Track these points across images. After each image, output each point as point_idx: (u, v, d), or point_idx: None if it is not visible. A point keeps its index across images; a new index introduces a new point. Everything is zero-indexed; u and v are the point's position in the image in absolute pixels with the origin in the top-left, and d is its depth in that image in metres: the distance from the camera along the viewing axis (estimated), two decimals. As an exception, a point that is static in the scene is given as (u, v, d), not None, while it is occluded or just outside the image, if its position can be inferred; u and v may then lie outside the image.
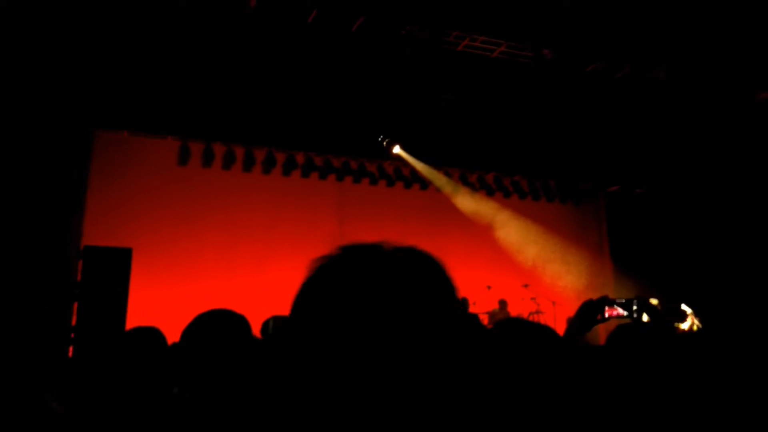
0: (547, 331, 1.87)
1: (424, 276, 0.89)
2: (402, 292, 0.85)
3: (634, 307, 2.86)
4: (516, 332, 1.80)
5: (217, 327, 2.39)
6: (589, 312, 2.68)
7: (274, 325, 4.60)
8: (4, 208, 8.22)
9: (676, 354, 2.27)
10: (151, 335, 3.17)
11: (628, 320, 2.87)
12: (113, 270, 7.65)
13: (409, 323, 0.83)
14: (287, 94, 9.83)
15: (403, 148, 10.81)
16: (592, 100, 10.87)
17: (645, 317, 2.93)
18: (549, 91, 10.67)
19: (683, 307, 8.57)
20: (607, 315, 2.84)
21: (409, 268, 0.89)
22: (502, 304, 10.65)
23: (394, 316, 0.83)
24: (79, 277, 7.84)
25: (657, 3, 9.13)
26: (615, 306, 2.89)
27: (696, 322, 8.23)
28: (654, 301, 8.54)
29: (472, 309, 10.29)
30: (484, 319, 10.21)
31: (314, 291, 0.89)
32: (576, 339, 2.59)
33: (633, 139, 11.37)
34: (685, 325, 8.28)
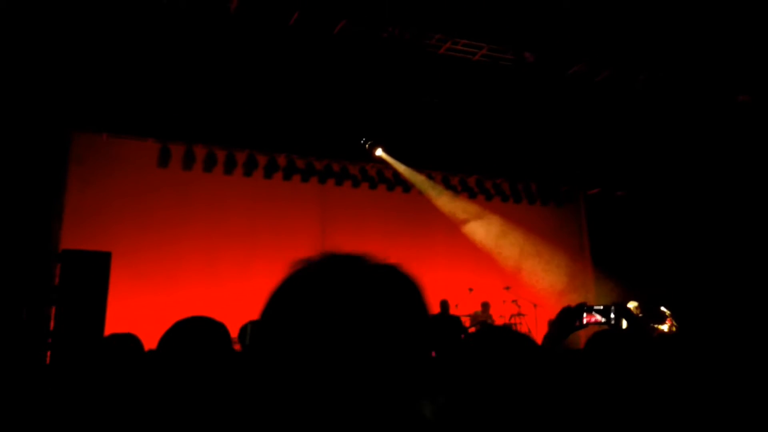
0: (523, 340, 1.87)
1: (402, 296, 0.89)
2: (377, 310, 0.85)
3: (612, 314, 2.87)
4: (492, 342, 1.80)
5: (196, 334, 2.37)
6: (568, 319, 2.70)
7: (251, 330, 4.55)
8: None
9: (652, 359, 2.28)
10: (127, 341, 3.14)
11: (605, 326, 2.89)
12: (92, 274, 7.54)
13: (380, 339, 0.82)
14: (268, 96, 9.79)
15: (385, 150, 10.81)
16: (573, 103, 10.96)
17: (623, 323, 2.96)
18: (530, 93, 10.74)
19: (662, 309, 8.68)
20: (585, 321, 2.86)
21: (387, 286, 0.89)
22: (485, 306, 10.69)
23: (365, 330, 0.82)
24: (57, 281, 7.73)
25: (637, 7, 9.22)
26: (593, 312, 2.91)
27: (674, 323, 8.33)
28: (633, 304, 8.63)
29: (453, 311, 10.32)
30: (466, 322, 10.24)
31: (290, 297, 0.88)
32: (554, 346, 2.60)
33: (614, 142, 11.48)
34: (663, 327, 8.38)
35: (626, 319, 2.90)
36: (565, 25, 9.65)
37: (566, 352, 2.48)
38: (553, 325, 2.66)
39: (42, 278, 8.21)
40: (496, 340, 1.81)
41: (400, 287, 0.91)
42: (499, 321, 10.67)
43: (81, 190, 9.58)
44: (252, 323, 4.48)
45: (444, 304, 10.05)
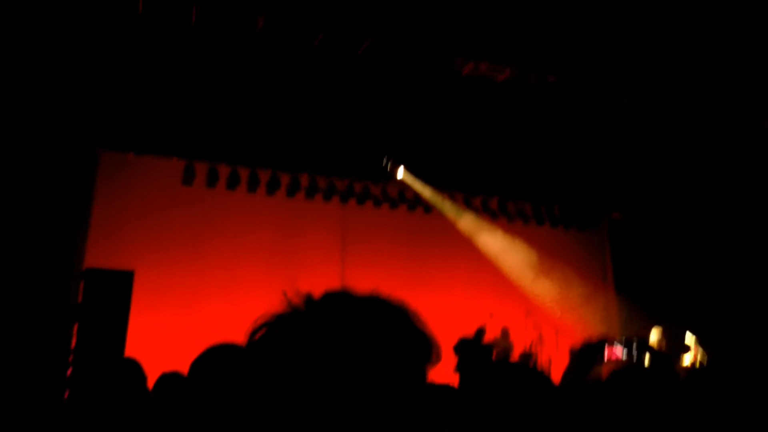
0: (539, 380, 1.84)
1: (388, 329, 0.87)
2: (364, 344, 0.83)
3: (634, 348, 2.83)
4: (507, 382, 1.78)
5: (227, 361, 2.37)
6: (589, 354, 2.65)
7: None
8: (8, 226, 8.24)
9: (678, 399, 2.22)
10: (128, 368, 3.12)
11: (626, 363, 2.84)
12: (114, 293, 7.64)
13: (367, 370, 0.81)
14: (292, 115, 9.87)
15: (407, 170, 10.81)
16: (597, 126, 10.86)
17: (646, 358, 2.90)
18: (554, 115, 10.68)
19: (687, 337, 8.51)
20: (607, 357, 2.82)
21: (375, 320, 0.88)
22: (504, 333, 10.57)
23: (352, 363, 0.81)
24: (80, 299, 7.83)
25: (665, 30, 9.13)
26: (615, 346, 2.87)
27: (700, 353, 8.16)
28: (657, 330, 8.46)
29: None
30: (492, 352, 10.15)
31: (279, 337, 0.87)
32: (574, 382, 2.55)
33: (638, 165, 11.34)
34: (687, 356, 8.22)
35: (649, 354, 2.85)
36: (590, 46, 9.60)
37: (587, 388, 2.42)
38: (574, 359, 2.62)
39: (66, 295, 8.34)
40: (511, 379, 1.79)
41: (388, 320, 0.90)
42: (519, 347, 10.54)
43: (106, 206, 9.72)
44: None
45: (480, 333, 9.96)
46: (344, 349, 0.83)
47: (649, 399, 2.16)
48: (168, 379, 3.09)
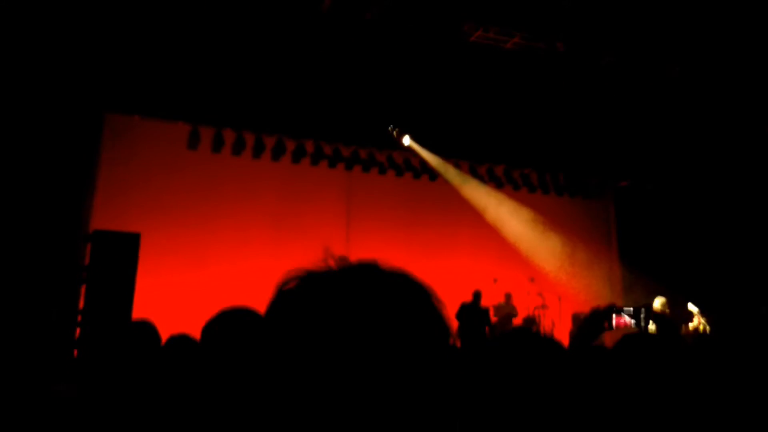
0: (550, 345, 1.85)
1: (413, 306, 0.87)
2: (389, 319, 0.83)
3: (642, 316, 2.84)
4: (517, 348, 1.79)
5: (241, 326, 2.37)
6: (596, 320, 2.67)
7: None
8: (13, 189, 8.27)
9: (685, 365, 2.25)
10: (143, 330, 3.13)
11: (635, 329, 2.86)
12: (121, 255, 7.67)
13: (392, 348, 0.81)
14: (298, 82, 9.81)
15: (413, 138, 10.78)
16: (604, 95, 10.79)
17: (652, 326, 2.92)
18: (561, 83, 10.59)
19: (690, 306, 8.56)
20: (614, 323, 2.84)
21: (399, 296, 0.87)
22: (507, 297, 10.64)
23: (377, 338, 0.81)
24: (87, 261, 7.88)
25: (673, 2, 9.02)
26: (622, 314, 2.88)
27: (703, 321, 8.21)
28: (661, 300, 8.52)
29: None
30: (490, 312, 10.24)
31: (300, 303, 0.87)
32: (581, 346, 2.58)
33: (645, 134, 11.28)
34: (690, 325, 8.27)
35: (656, 322, 2.87)
36: (599, 14, 9.48)
37: (594, 352, 2.45)
38: (582, 325, 2.64)
39: (73, 257, 8.39)
40: (522, 345, 1.80)
41: (413, 297, 0.90)
42: (522, 313, 10.63)
43: (111, 169, 9.74)
44: None
45: (477, 295, 10.03)
46: (368, 319, 0.82)
47: (656, 364, 2.18)
48: (177, 341, 3.09)
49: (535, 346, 1.77)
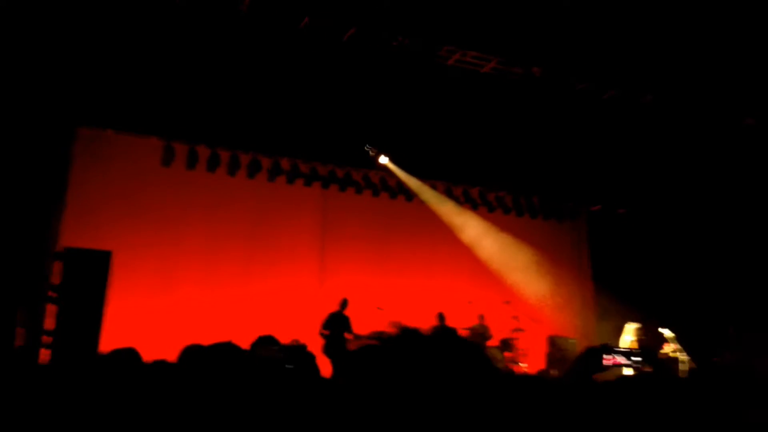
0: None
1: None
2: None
3: (632, 357, 2.85)
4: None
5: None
6: (591, 358, 2.66)
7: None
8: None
9: (679, 402, 2.24)
10: (127, 356, 3.06)
11: (629, 369, 2.86)
12: (92, 273, 7.49)
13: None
14: (275, 99, 9.75)
15: (389, 158, 10.78)
16: (579, 120, 10.95)
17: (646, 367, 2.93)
18: (537, 108, 10.73)
19: (662, 330, 8.65)
20: (610, 363, 2.83)
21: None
22: (480, 318, 10.63)
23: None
24: (57, 280, 7.66)
25: (646, 28, 9.23)
26: (615, 355, 2.89)
27: (677, 347, 8.30)
28: (634, 326, 8.60)
29: (452, 324, 10.31)
30: (464, 334, 10.21)
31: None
32: (577, 382, 2.56)
33: (618, 159, 11.47)
34: (664, 350, 8.36)
35: (650, 363, 2.88)
36: (575, 42, 9.65)
37: (595, 387, 2.42)
38: (577, 362, 2.63)
39: (39, 275, 8.15)
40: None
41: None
42: (498, 335, 10.63)
43: (83, 185, 9.51)
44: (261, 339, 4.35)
45: (440, 317, 10.04)
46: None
47: (656, 400, 2.19)
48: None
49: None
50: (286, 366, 2.15)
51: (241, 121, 9.77)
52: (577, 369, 2.52)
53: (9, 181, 8.19)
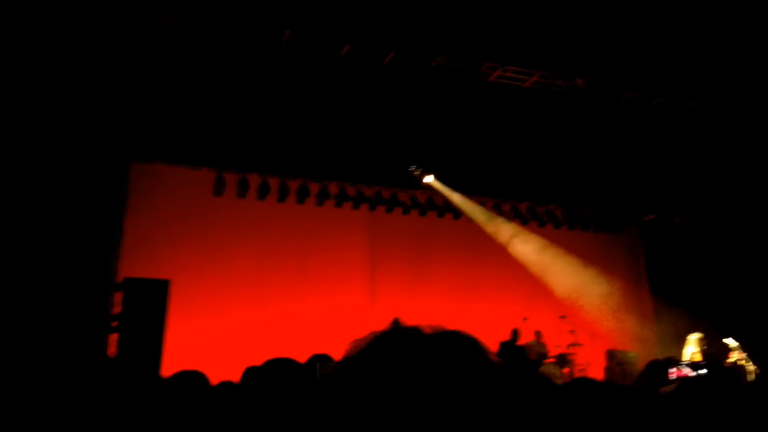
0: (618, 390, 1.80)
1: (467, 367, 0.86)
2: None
3: (700, 369, 2.77)
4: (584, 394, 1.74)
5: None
6: (655, 372, 2.59)
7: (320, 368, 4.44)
8: (42, 240, 8.35)
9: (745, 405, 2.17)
10: (194, 379, 3.11)
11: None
12: (152, 301, 7.70)
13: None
14: (321, 125, 9.93)
15: (435, 177, 10.80)
16: (627, 129, 10.78)
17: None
18: (583, 119, 10.62)
19: (727, 340, 8.33)
20: (675, 375, 2.76)
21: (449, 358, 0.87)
22: (537, 334, 10.44)
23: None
24: (117, 309, 7.89)
25: (693, 34, 9.07)
26: (681, 367, 2.81)
27: (742, 356, 7.98)
28: (697, 335, 8.31)
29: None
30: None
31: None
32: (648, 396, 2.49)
33: (669, 167, 11.22)
34: (732, 359, 8.04)
35: (717, 372, 2.79)
36: (617, 50, 9.55)
37: (661, 398, 2.36)
38: (641, 378, 2.56)
39: (101, 306, 8.40)
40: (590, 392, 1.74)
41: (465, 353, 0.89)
42: (554, 351, 10.41)
43: (138, 217, 9.80)
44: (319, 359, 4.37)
45: (515, 333, 9.92)
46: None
47: (717, 406, 2.13)
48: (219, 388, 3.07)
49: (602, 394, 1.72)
50: None
51: (289, 148, 9.98)
52: (642, 384, 2.45)
53: (70, 216, 8.50)
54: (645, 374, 2.62)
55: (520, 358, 9.14)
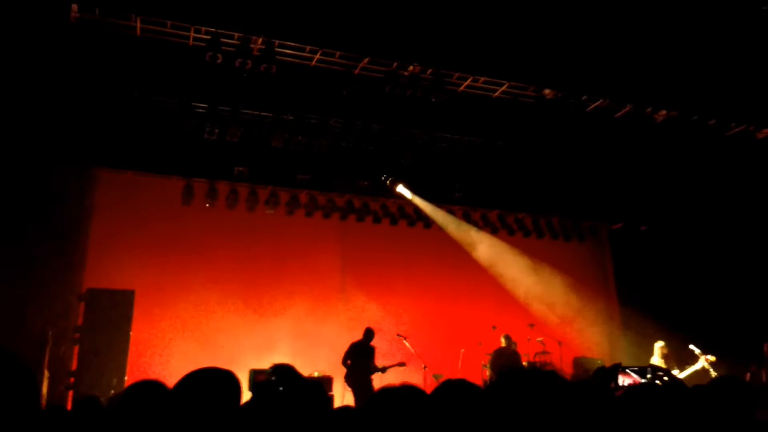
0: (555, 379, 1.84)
1: None
2: None
3: (648, 375, 2.81)
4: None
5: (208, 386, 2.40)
6: (602, 379, 2.63)
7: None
8: (5, 248, 8.18)
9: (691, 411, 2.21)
10: (153, 389, 3.05)
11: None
12: (115, 311, 7.57)
13: None
14: (290, 134, 9.88)
15: (406, 186, 10.82)
16: (594, 139, 10.90)
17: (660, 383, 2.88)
18: (551, 129, 10.71)
19: (691, 347, 8.47)
20: (623, 383, 2.79)
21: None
22: (507, 338, 10.45)
23: None
24: (80, 320, 7.76)
25: (658, 44, 9.23)
26: (628, 372, 2.85)
27: (709, 360, 8.11)
28: (660, 344, 8.42)
29: (477, 349, 10.21)
30: (487, 359, 10.10)
31: None
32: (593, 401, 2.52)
33: (636, 176, 11.38)
34: (697, 366, 8.16)
35: (664, 378, 2.83)
36: (585, 61, 9.66)
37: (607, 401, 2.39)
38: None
39: (64, 317, 8.24)
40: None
41: None
42: (523, 359, 10.46)
43: (105, 226, 9.67)
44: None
45: (507, 339, 9.91)
46: None
47: (664, 411, 2.17)
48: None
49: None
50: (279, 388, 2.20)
51: (259, 157, 9.93)
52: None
53: (32, 223, 8.34)
54: (592, 381, 2.65)
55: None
